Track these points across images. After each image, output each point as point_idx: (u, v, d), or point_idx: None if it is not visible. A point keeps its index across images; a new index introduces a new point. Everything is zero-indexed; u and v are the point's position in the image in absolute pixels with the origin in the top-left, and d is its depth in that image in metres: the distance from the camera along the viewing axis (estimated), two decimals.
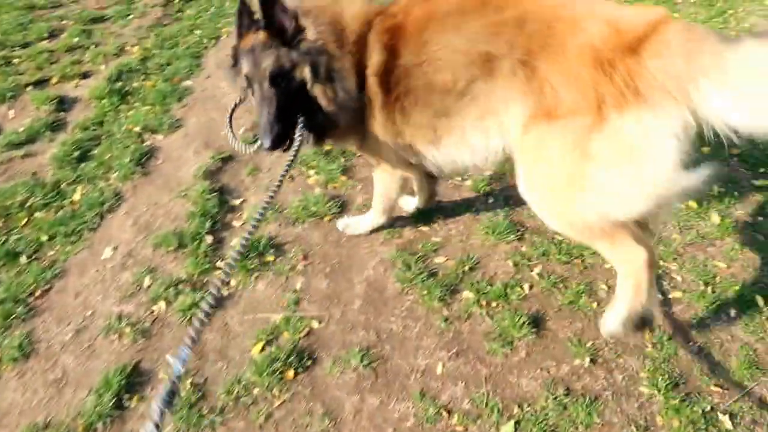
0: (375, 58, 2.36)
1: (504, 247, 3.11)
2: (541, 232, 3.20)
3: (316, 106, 2.38)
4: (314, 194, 3.49)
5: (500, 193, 3.48)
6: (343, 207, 3.44)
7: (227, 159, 3.83)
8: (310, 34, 2.31)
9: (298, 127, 2.34)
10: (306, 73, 2.32)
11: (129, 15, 5.48)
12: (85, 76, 4.70)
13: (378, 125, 2.50)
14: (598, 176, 2.04)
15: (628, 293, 2.36)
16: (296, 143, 2.31)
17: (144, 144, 4.00)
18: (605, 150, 2.00)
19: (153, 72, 4.73)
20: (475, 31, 2.21)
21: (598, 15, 2.04)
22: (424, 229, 3.26)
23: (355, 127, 2.56)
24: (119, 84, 4.55)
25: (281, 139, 2.34)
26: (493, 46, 2.16)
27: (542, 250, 3.07)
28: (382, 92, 2.40)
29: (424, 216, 3.32)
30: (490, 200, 3.43)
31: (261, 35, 2.30)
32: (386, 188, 3.02)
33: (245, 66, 2.34)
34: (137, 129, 4.10)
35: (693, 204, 3.35)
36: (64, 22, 5.35)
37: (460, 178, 3.59)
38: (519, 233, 3.18)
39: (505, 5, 2.20)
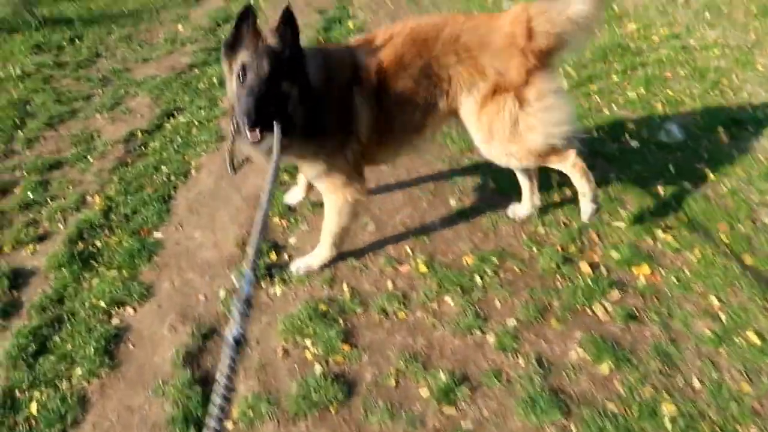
0: (366, 88, 3.01)
1: (551, 430, 2.60)
2: (588, 400, 2.70)
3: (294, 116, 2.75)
4: (314, 375, 2.97)
5: (531, 348, 2.99)
6: (350, 389, 2.92)
7: (209, 335, 3.31)
8: (311, 69, 2.80)
9: (276, 128, 2.59)
10: (294, 91, 2.70)
11: (88, 156, 5.05)
12: (42, 239, 4.20)
13: (364, 132, 3.10)
14: (539, 121, 3.08)
15: (585, 183, 3.32)
16: (276, 138, 2.55)
17: (112, 323, 3.47)
18: (539, 106, 3.06)
19: (117, 225, 4.25)
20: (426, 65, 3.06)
21: (502, 20, 3.07)
22: (450, 412, 2.74)
23: (325, 137, 3.00)
24: (80, 246, 4.06)
25: (261, 123, 2.56)
26: (444, 63, 3.06)
27: (596, 429, 2.56)
28: (371, 111, 3.06)
29: (445, 391, 2.81)
30: (521, 361, 2.93)
31: (271, 39, 2.62)
32: (342, 216, 3.34)
33: (245, 55, 2.59)
34: (103, 303, 3.58)
35: (752, 337, 2.90)
36: (17, 174, 4.89)
37: (480, 331, 3.11)
38: (564, 407, 2.67)
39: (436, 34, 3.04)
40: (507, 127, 3.08)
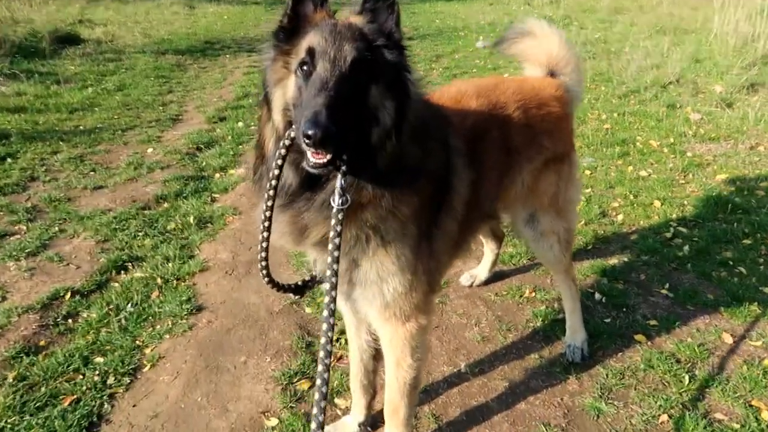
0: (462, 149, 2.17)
1: None
2: None
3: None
4: None
5: None
6: None
7: None
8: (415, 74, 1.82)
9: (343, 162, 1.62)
10: (389, 106, 1.68)
11: None
12: None
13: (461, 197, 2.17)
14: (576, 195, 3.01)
15: (577, 303, 3.05)
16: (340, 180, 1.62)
17: None
18: (577, 175, 2.94)
19: None
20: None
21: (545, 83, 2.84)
22: None
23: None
24: None
25: (334, 143, 1.49)
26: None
27: None
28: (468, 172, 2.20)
29: None
30: None
31: (357, 17, 1.73)
32: (417, 355, 2.11)
33: (315, 37, 1.64)
34: None
35: None
36: None
37: None
38: None
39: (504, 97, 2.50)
40: (558, 199, 2.78)
